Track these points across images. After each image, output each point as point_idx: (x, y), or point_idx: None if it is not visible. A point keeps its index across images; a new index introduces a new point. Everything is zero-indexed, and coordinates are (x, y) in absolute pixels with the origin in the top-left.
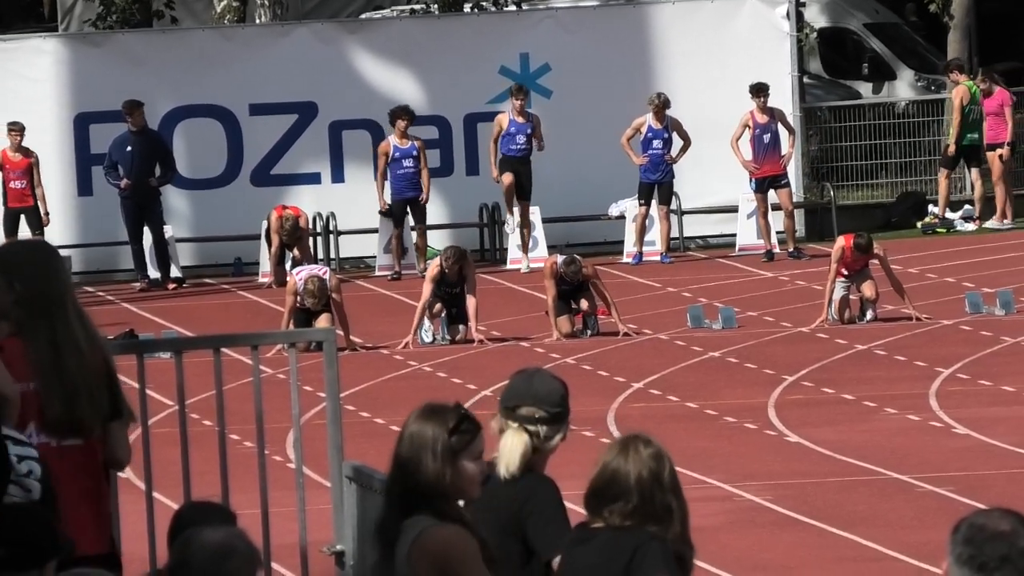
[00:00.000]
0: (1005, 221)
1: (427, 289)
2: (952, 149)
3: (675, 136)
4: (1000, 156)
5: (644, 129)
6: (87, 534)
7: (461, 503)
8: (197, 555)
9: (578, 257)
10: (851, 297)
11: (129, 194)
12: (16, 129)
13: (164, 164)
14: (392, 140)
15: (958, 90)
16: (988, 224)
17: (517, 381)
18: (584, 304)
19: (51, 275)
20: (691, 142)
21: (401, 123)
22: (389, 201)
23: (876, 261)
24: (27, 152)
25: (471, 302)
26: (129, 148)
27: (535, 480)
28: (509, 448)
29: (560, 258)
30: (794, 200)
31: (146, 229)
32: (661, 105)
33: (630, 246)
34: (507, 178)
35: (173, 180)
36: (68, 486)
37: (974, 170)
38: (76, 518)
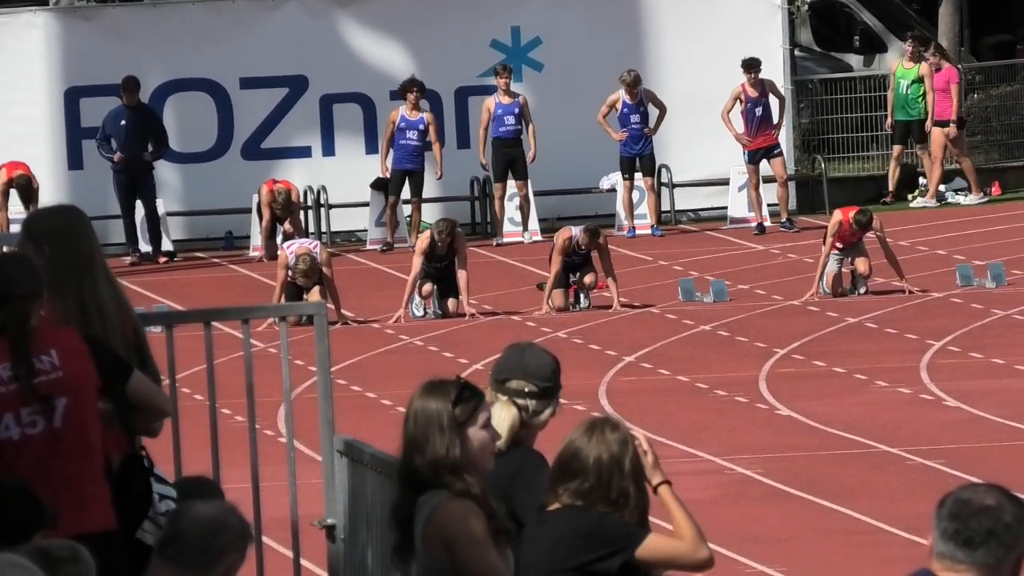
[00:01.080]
0: (981, 195)
1: (417, 262)
2: (889, 123)
3: (651, 107)
4: (947, 134)
5: (619, 105)
6: (90, 510)
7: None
8: (189, 530)
9: (598, 226)
10: (843, 270)
11: (122, 168)
12: None
13: (157, 139)
14: (402, 110)
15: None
16: (964, 200)
17: (508, 355)
18: (588, 278)
19: (80, 238)
20: (666, 109)
21: (411, 96)
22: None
23: (871, 235)
24: None
25: (463, 276)
26: (123, 122)
27: (523, 454)
28: (498, 421)
29: (576, 229)
30: (787, 173)
31: (138, 203)
32: (632, 82)
33: (622, 220)
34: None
35: (166, 155)
36: (69, 465)
37: (917, 147)
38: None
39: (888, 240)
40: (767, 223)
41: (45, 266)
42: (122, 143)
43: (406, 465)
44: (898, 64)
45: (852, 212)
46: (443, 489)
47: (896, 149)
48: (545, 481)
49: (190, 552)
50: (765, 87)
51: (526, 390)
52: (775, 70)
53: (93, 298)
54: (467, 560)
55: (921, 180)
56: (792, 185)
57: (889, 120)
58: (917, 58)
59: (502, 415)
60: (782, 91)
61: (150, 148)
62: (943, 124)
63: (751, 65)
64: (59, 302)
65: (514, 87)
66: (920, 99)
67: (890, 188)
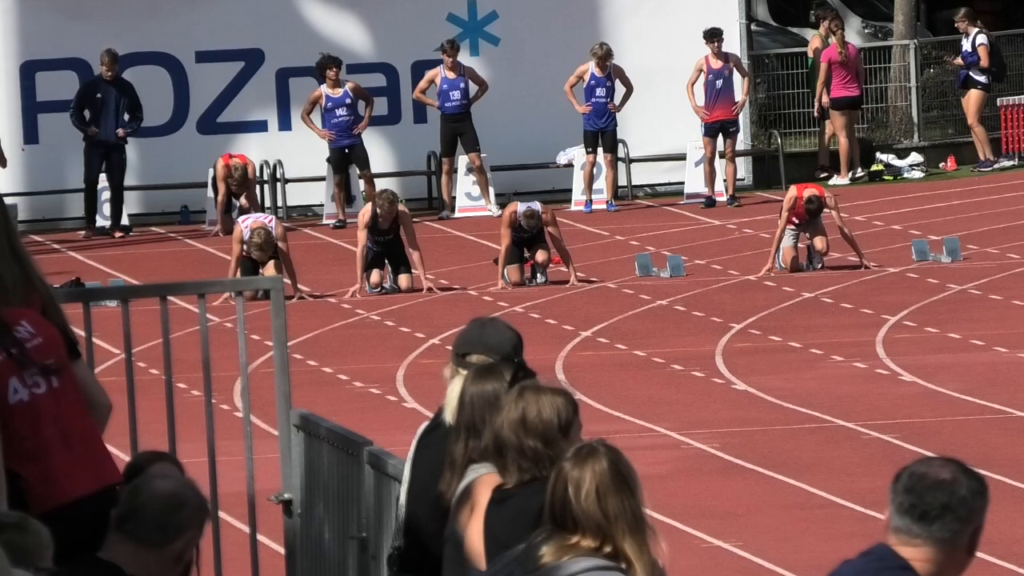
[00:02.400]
0: (850, 174)
1: (361, 236)
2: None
3: (618, 84)
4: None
5: (587, 77)
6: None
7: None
8: (147, 505)
9: (538, 210)
10: (800, 245)
11: (97, 141)
12: None
13: (133, 114)
14: (324, 89)
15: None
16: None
17: (470, 329)
18: (540, 256)
19: None
20: (633, 89)
21: (330, 73)
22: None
23: (828, 212)
24: None
25: (415, 254)
26: (99, 95)
27: None
28: (457, 395)
29: (521, 208)
30: (742, 147)
31: (102, 177)
32: (604, 55)
33: (579, 194)
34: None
35: (139, 130)
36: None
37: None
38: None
39: (844, 215)
40: (721, 198)
41: None
42: (98, 116)
43: (457, 449)
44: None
45: (804, 191)
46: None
47: (831, 124)
48: None
49: (148, 527)
50: (729, 60)
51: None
52: (732, 44)
53: None
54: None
55: (878, 155)
56: (748, 160)
57: (824, 99)
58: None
59: (459, 389)
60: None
61: (126, 119)
62: (847, 102)
63: (713, 35)
64: None
65: (471, 61)
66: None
67: (825, 163)
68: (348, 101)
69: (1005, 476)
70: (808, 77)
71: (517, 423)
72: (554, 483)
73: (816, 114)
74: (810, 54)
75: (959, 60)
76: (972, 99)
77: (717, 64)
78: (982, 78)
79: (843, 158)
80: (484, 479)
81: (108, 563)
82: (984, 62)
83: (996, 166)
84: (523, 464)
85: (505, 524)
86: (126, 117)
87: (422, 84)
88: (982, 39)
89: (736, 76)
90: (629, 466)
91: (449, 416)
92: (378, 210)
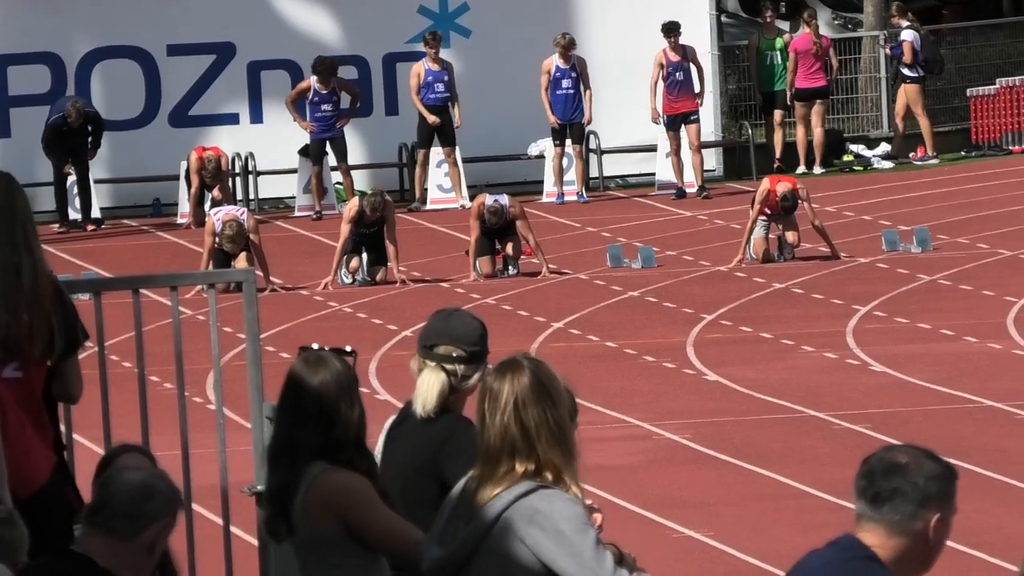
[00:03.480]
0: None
1: (345, 229)
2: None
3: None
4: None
5: (552, 70)
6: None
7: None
8: (117, 496)
9: (505, 205)
10: (771, 236)
11: (63, 136)
12: None
13: (96, 138)
14: (313, 82)
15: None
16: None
17: (435, 321)
18: (510, 248)
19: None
20: (591, 89)
21: (321, 76)
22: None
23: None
24: None
25: (391, 246)
26: (68, 133)
27: (453, 420)
28: (426, 387)
29: (489, 201)
30: (713, 139)
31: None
32: (567, 44)
33: (550, 186)
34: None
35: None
36: (17, 416)
37: (777, 113)
38: (31, 448)
39: (815, 206)
40: (691, 189)
41: None
42: (68, 152)
43: (293, 438)
44: (760, 36)
45: (778, 186)
46: (324, 461)
47: (777, 118)
48: (475, 448)
49: (118, 519)
50: (687, 52)
51: (454, 355)
52: (702, 36)
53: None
54: (365, 521)
55: (848, 145)
56: (719, 151)
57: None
58: (776, 30)
59: (432, 380)
60: (709, 58)
61: (89, 143)
62: (811, 93)
63: (671, 29)
64: None
65: (442, 54)
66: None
67: (777, 156)
68: (334, 98)
69: (975, 465)
70: (756, 71)
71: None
72: (479, 399)
73: (789, 103)
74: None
75: (888, 51)
76: (907, 94)
77: (675, 57)
78: (911, 72)
79: (818, 148)
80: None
81: (80, 555)
82: (907, 58)
83: (930, 160)
84: None
85: None
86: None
87: (411, 81)
88: (907, 35)
89: (695, 68)
90: (552, 376)
91: (419, 408)
92: (367, 209)
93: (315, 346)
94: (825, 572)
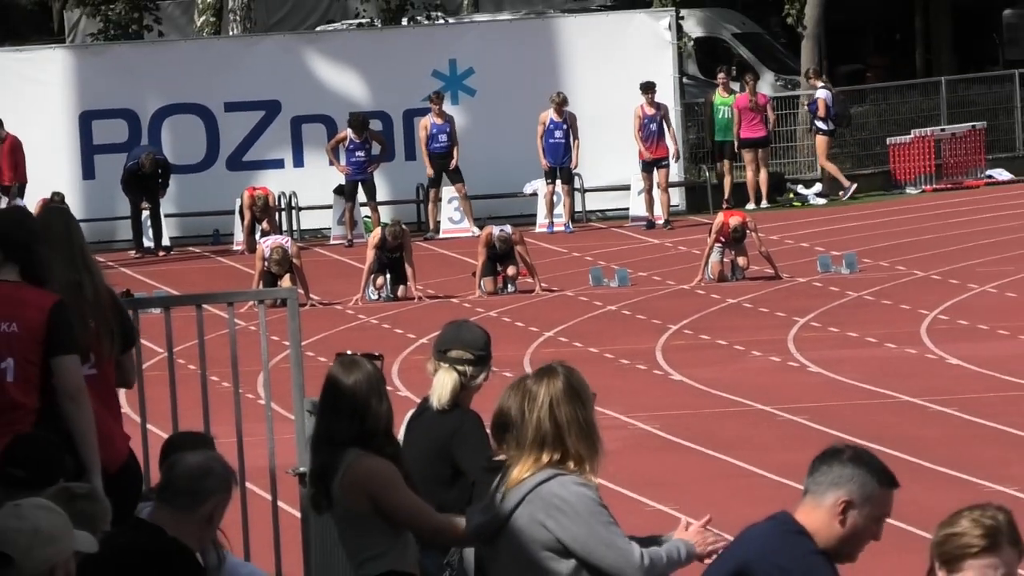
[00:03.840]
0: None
1: (370, 254)
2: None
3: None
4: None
5: (547, 122)
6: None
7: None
8: (180, 476)
9: (510, 234)
10: (725, 260)
11: (137, 178)
12: None
13: (166, 179)
14: (350, 133)
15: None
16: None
17: (448, 329)
18: (510, 270)
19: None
20: (579, 139)
21: (356, 129)
22: (344, 175)
23: (749, 234)
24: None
25: (409, 267)
26: (143, 179)
27: (462, 413)
28: (441, 384)
29: (496, 231)
30: (678, 179)
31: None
32: (560, 102)
33: (542, 218)
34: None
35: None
36: (97, 406)
37: (726, 162)
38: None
39: (761, 235)
40: (659, 222)
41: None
42: (144, 193)
43: (331, 428)
44: (715, 95)
45: (730, 219)
46: (358, 448)
47: (726, 164)
48: (480, 437)
49: (180, 495)
50: (660, 109)
51: (464, 358)
52: (667, 94)
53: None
54: (391, 501)
55: (788, 185)
56: (682, 190)
57: (709, 142)
58: (729, 89)
59: (445, 379)
60: (673, 114)
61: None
62: (752, 142)
63: (648, 87)
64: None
65: (451, 109)
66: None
67: (727, 196)
68: (367, 146)
69: (894, 450)
70: (708, 123)
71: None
72: (518, 397)
73: (736, 151)
74: (706, 107)
75: (806, 108)
76: (818, 144)
77: (651, 111)
78: (823, 125)
79: (763, 187)
80: (378, 459)
81: (152, 525)
82: (820, 113)
83: (847, 196)
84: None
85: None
86: (160, 182)
87: (420, 133)
88: (821, 94)
89: (666, 123)
90: (583, 381)
91: (435, 402)
92: (388, 237)
93: (349, 352)
94: (761, 542)
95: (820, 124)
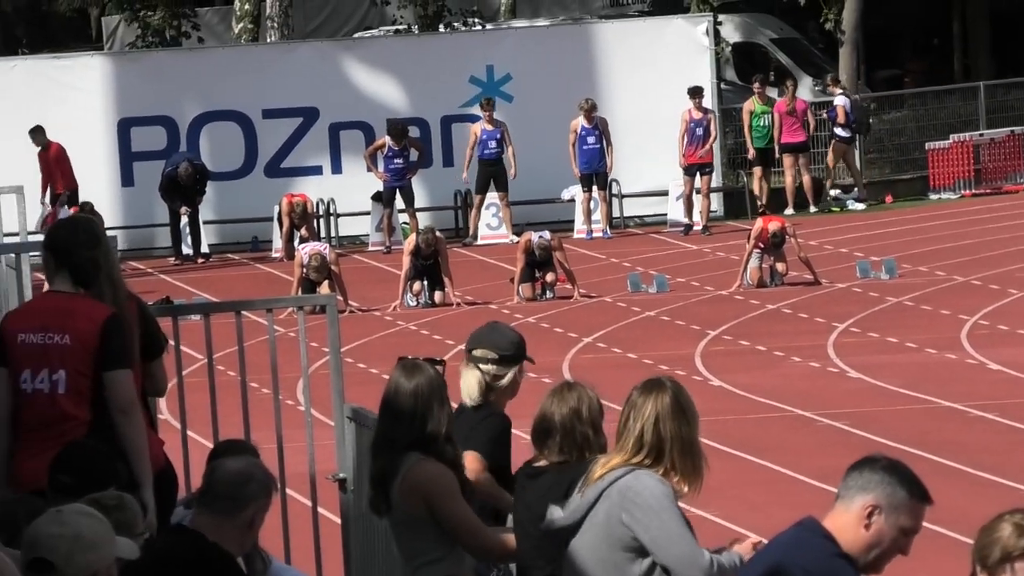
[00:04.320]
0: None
1: (406, 261)
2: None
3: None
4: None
5: (579, 129)
6: (157, 448)
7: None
8: (221, 481)
9: (550, 241)
10: (764, 266)
11: (175, 187)
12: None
13: (203, 186)
14: (388, 140)
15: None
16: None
17: (478, 330)
18: (549, 276)
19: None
20: (612, 144)
21: (395, 136)
22: (382, 185)
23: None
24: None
25: (447, 274)
26: (181, 186)
27: (488, 410)
28: (466, 383)
29: (535, 238)
30: (715, 185)
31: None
32: (589, 108)
33: (580, 224)
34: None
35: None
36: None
37: (758, 169)
38: (149, 437)
39: (800, 241)
40: (697, 227)
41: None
42: (178, 200)
43: (392, 431)
44: (753, 103)
45: (769, 225)
46: (418, 452)
47: (758, 171)
48: (492, 438)
49: (222, 500)
50: (707, 114)
51: (488, 357)
52: (704, 100)
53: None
54: (444, 509)
55: (832, 192)
56: (720, 195)
57: (751, 150)
58: (766, 97)
59: (468, 377)
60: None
61: (198, 191)
62: (792, 147)
63: (695, 92)
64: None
65: (495, 116)
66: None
67: (763, 202)
68: (406, 154)
69: (934, 455)
70: (748, 131)
71: (572, 413)
72: (561, 403)
73: (778, 156)
74: (744, 115)
75: (825, 114)
76: (835, 150)
77: (698, 115)
78: (843, 132)
79: (808, 192)
80: (438, 465)
81: (193, 531)
82: (840, 119)
83: (852, 203)
84: (566, 447)
85: (538, 496)
86: (198, 188)
87: (470, 139)
88: (839, 101)
89: (712, 128)
90: (689, 399)
91: (466, 399)
92: (422, 244)
93: (411, 357)
94: (788, 547)
95: (839, 131)
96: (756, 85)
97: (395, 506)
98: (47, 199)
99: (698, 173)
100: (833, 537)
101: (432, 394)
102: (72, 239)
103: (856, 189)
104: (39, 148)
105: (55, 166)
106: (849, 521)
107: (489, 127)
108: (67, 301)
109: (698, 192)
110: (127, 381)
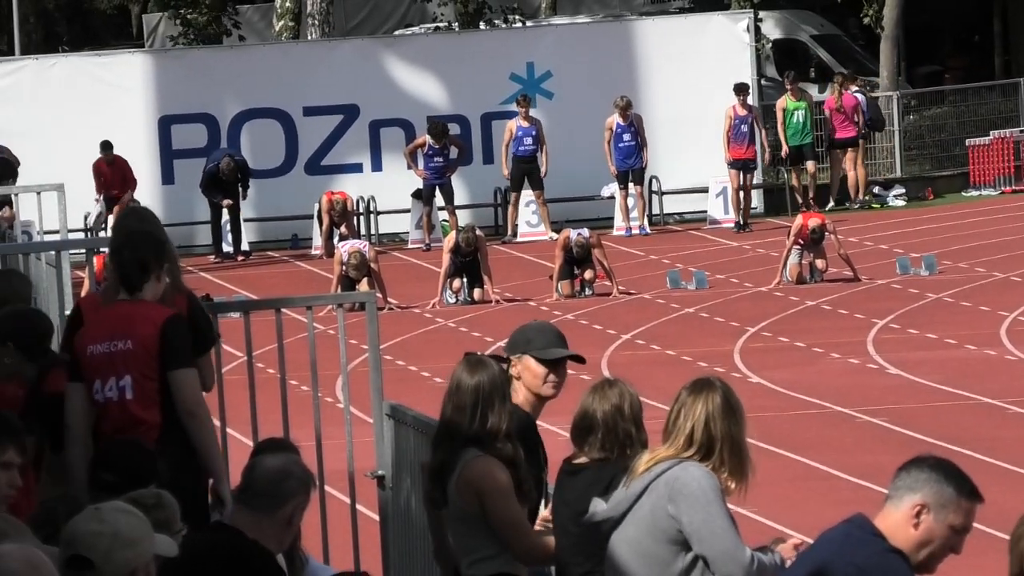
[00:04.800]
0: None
1: (446, 258)
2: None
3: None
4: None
5: (614, 127)
6: None
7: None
8: (259, 478)
9: (589, 239)
10: (803, 262)
11: (216, 183)
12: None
13: (245, 184)
14: (428, 139)
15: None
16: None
17: (516, 331)
18: (588, 274)
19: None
20: (647, 143)
21: (435, 135)
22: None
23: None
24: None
25: (486, 271)
26: (222, 183)
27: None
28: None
29: (573, 235)
30: (756, 182)
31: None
32: (624, 106)
33: (619, 221)
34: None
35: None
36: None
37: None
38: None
39: (840, 237)
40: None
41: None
42: (219, 196)
43: (452, 426)
44: (785, 100)
45: (810, 221)
46: (476, 448)
47: (811, 165)
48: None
49: (260, 497)
50: (752, 111)
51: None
52: (748, 98)
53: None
54: (495, 508)
55: (875, 189)
56: (761, 192)
57: (784, 147)
58: (799, 93)
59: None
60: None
61: (240, 190)
62: (844, 142)
63: (741, 88)
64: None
65: (531, 113)
66: (806, 125)
67: (799, 200)
68: (445, 152)
69: (973, 451)
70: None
71: (615, 409)
72: (602, 400)
73: (825, 150)
74: (778, 112)
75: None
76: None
77: (743, 112)
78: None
79: (861, 185)
80: (493, 462)
81: (232, 528)
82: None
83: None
84: (607, 444)
85: (578, 492)
86: (240, 183)
87: (505, 136)
88: (856, 99)
89: (756, 124)
90: (738, 399)
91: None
92: (462, 243)
93: (477, 352)
94: (837, 544)
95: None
96: (788, 82)
97: (451, 501)
98: (102, 199)
99: (742, 170)
100: (883, 535)
101: (494, 391)
102: (138, 246)
103: (858, 190)
104: (103, 159)
105: (119, 177)
106: (899, 521)
107: (525, 124)
108: (129, 307)
109: (742, 188)
110: (191, 380)
